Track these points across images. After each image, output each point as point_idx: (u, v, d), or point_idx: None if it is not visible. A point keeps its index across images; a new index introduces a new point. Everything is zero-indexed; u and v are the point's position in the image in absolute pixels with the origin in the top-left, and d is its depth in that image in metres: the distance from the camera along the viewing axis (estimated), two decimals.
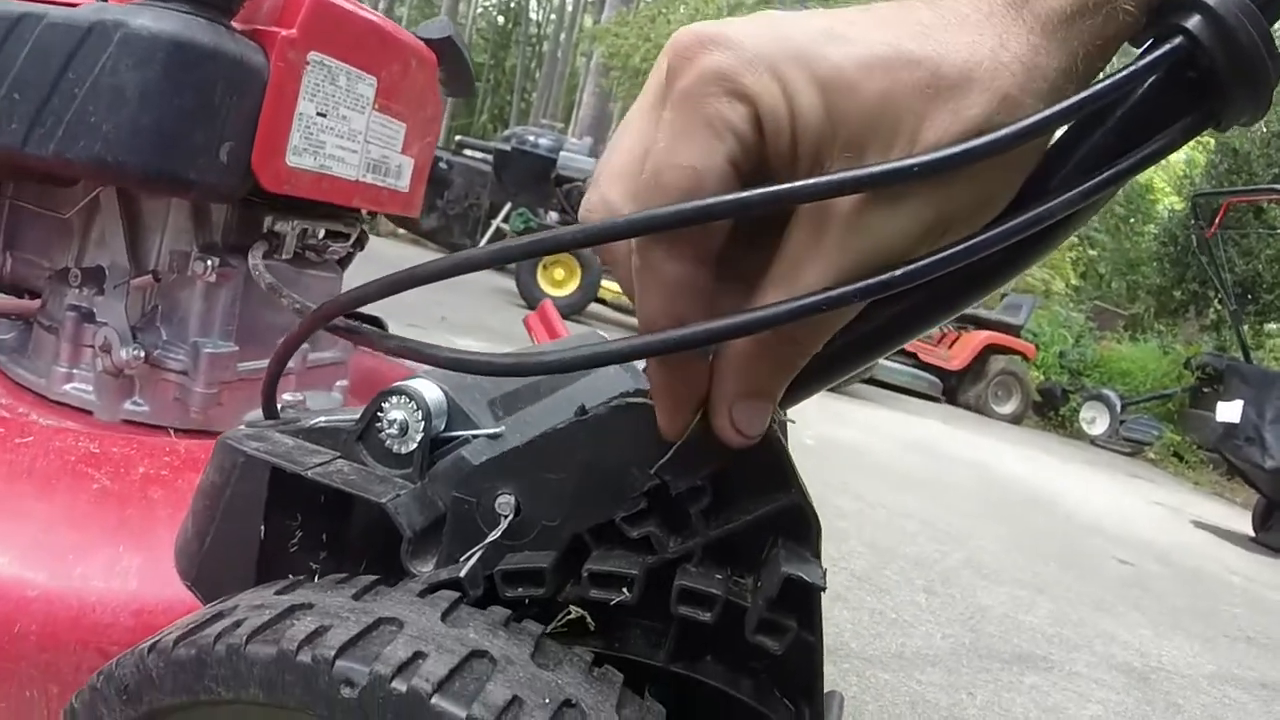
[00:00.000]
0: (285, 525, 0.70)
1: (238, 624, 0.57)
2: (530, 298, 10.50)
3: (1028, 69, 0.49)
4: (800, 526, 0.61)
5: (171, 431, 1.41)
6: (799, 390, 0.62)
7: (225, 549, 0.71)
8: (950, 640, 3.56)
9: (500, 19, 45.48)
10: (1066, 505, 7.68)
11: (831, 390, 8.39)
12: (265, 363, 1.44)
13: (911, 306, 0.60)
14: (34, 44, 1.19)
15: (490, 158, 13.46)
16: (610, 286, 11.73)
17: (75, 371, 1.42)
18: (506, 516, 0.63)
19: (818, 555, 0.61)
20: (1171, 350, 17.56)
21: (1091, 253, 27.07)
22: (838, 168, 0.48)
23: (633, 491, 0.61)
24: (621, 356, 0.58)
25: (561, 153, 11.94)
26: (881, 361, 11.96)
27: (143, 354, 1.36)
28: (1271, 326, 18.59)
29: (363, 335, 0.71)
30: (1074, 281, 26.68)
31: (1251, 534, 8.63)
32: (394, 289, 0.66)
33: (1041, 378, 15.62)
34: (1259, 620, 5.37)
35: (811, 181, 0.48)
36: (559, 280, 10.89)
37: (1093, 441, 13.95)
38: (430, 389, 0.69)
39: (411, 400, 0.68)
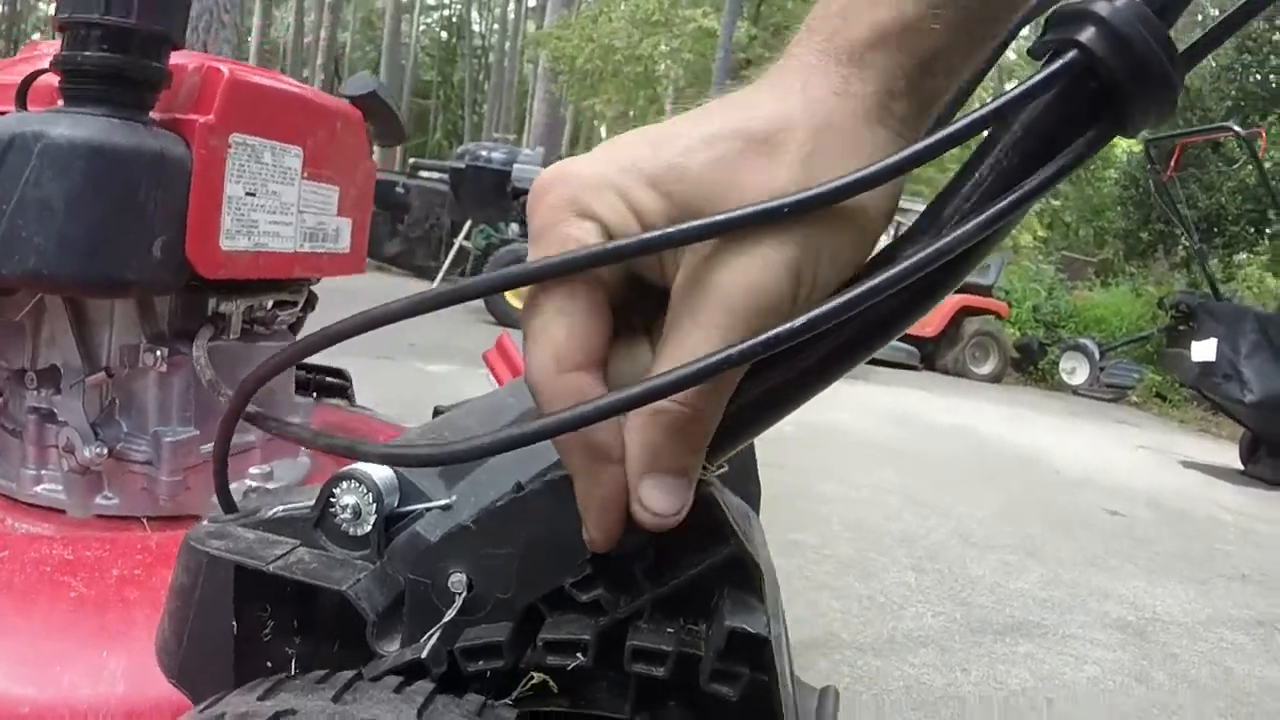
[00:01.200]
0: (256, 617, 0.72)
1: None
2: (499, 313, 10.48)
3: (840, 97, 0.52)
4: (742, 575, 0.63)
5: (144, 521, 1.43)
6: (721, 448, 0.63)
7: (203, 645, 0.73)
8: (941, 618, 3.58)
9: (443, 34, 45.32)
10: (1052, 461, 7.70)
11: None
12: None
13: (830, 351, 0.61)
14: None
15: (446, 177, 13.44)
16: None
17: (44, 472, 1.43)
18: (460, 594, 0.65)
19: (763, 600, 0.63)
20: (1144, 292, 17.61)
21: (1055, 203, 27.08)
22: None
23: (577, 559, 0.63)
24: (531, 438, 0.61)
25: (515, 165, 11.90)
26: None
27: (105, 450, 1.37)
28: (1241, 257, 18.61)
29: (275, 425, 0.75)
30: (1041, 233, 26.70)
31: (1240, 468, 8.70)
32: (304, 354, 0.69)
33: (1017, 334, 15.63)
34: (1252, 556, 5.40)
35: (660, 233, 0.52)
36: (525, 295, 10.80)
37: (1075, 391, 13.98)
38: (379, 469, 0.70)
39: (361, 484, 0.69)
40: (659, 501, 0.55)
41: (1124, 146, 25.71)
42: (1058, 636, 3.60)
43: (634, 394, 0.53)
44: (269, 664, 0.70)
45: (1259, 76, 18.76)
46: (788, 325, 0.53)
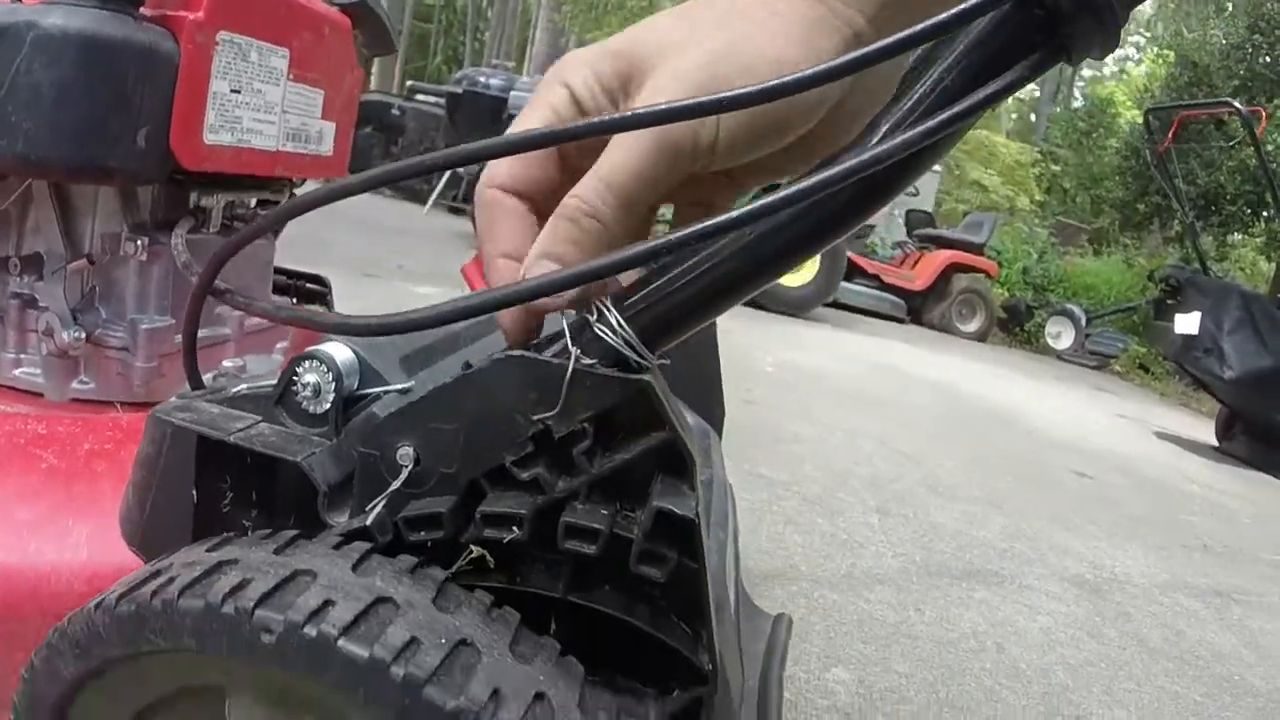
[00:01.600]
0: (216, 488, 0.76)
1: (171, 580, 0.64)
2: None
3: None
4: (677, 462, 0.66)
5: (119, 406, 1.46)
6: (663, 336, 0.67)
7: (164, 514, 0.76)
8: (901, 559, 3.61)
9: None
10: (1028, 421, 7.71)
11: (795, 315, 8.35)
12: (204, 332, 1.51)
13: (768, 250, 0.65)
14: None
15: (443, 101, 13.37)
16: None
17: (23, 356, 1.47)
18: (406, 467, 0.68)
19: (694, 489, 0.66)
20: (1135, 263, 17.60)
21: (1055, 168, 27.00)
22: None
23: (519, 437, 0.66)
24: (466, 312, 0.65)
25: (512, 92, 11.83)
26: (844, 285, 11.94)
27: (84, 335, 1.41)
28: (1235, 237, 18.57)
29: (240, 300, 0.79)
30: (1039, 197, 26.63)
31: (1215, 444, 8.72)
32: (271, 225, 0.73)
33: (1006, 294, 15.65)
34: (1216, 529, 5.43)
35: (602, 119, 0.61)
36: None
37: (1059, 356, 13.98)
38: (341, 351, 0.74)
39: (323, 364, 0.73)
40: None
41: (1126, 117, 25.65)
42: (1014, 586, 3.63)
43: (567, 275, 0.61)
44: (227, 534, 0.73)
45: (1268, 58, 18.63)
46: (738, 212, 0.59)
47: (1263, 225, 17.67)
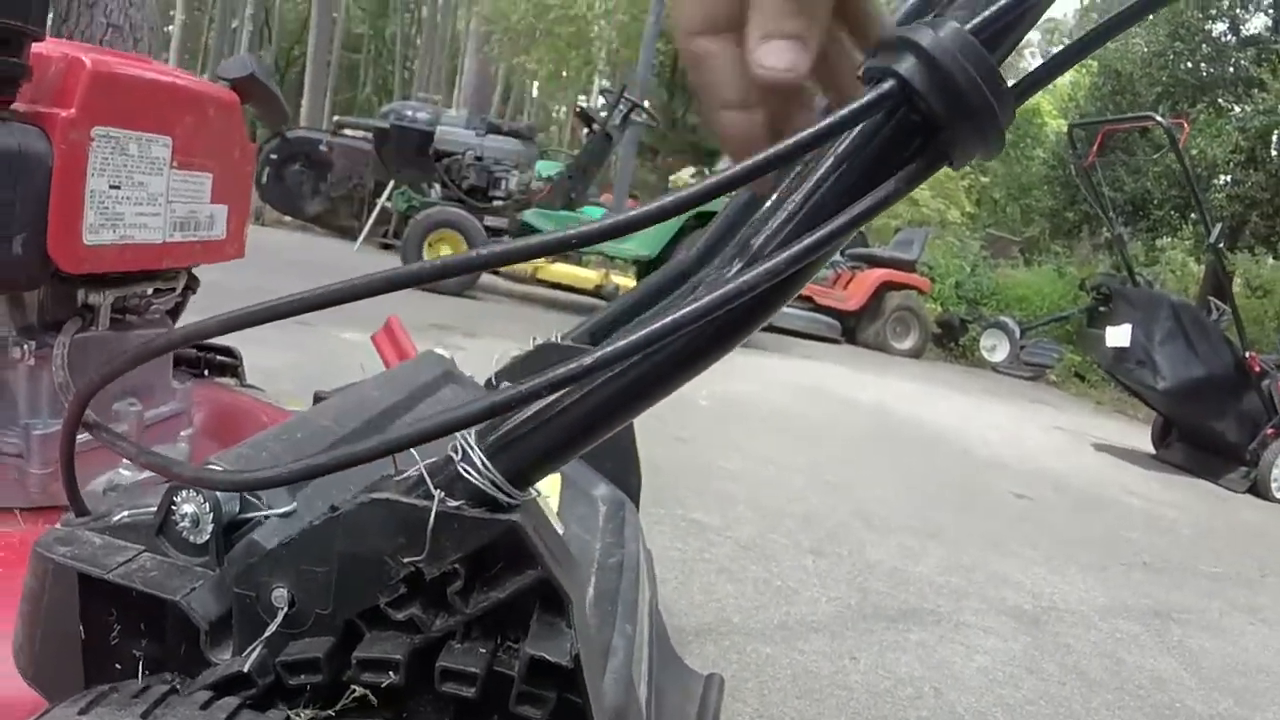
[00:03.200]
0: (103, 620, 0.74)
1: None
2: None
3: None
4: (553, 599, 0.65)
5: (17, 512, 1.42)
6: (540, 467, 0.66)
7: (54, 647, 0.76)
8: (836, 604, 3.59)
9: None
10: (965, 441, 7.77)
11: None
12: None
13: (632, 386, 0.62)
14: None
15: (370, 136, 13.37)
16: (554, 270, 11.71)
17: None
18: (282, 609, 0.67)
19: (571, 625, 0.65)
20: (1067, 273, 17.84)
21: (984, 180, 27.32)
22: None
23: (390, 579, 0.65)
24: (320, 470, 0.63)
25: (439, 126, 11.86)
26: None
27: None
28: (1164, 241, 18.84)
29: (106, 438, 0.76)
30: (969, 209, 26.93)
31: (1151, 451, 8.86)
32: (132, 364, 0.71)
33: (940, 310, 15.78)
34: (1155, 542, 5.50)
35: None
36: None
37: (995, 369, 14.11)
38: None
39: (199, 493, 0.72)
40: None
41: (1052, 126, 26.00)
42: (951, 624, 3.62)
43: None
44: (118, 666, 0.73)
45: (1189, 65, 18.94)
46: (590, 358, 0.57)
47: (1190, 229, 17.94)
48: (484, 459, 0.64)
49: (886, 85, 0.52)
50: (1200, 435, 8.24)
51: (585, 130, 11.97)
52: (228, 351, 2.10)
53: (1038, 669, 3.38)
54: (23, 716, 0.73)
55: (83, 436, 1.44)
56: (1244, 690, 3.59)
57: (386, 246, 13.68)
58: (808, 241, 0.55)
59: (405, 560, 0.64)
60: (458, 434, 0.65)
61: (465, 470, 0.64)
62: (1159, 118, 9.03)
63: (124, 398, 1.54)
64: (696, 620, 3.18)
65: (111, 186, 1.38)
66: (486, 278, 11.86)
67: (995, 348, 14.42)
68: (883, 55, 0.53)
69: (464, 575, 0.64)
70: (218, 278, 1.55)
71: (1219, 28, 19.35)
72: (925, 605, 3.76)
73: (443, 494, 0.64)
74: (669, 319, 0.57)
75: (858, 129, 0.55)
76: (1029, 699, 3.12)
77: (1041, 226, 22.47)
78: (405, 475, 0.68)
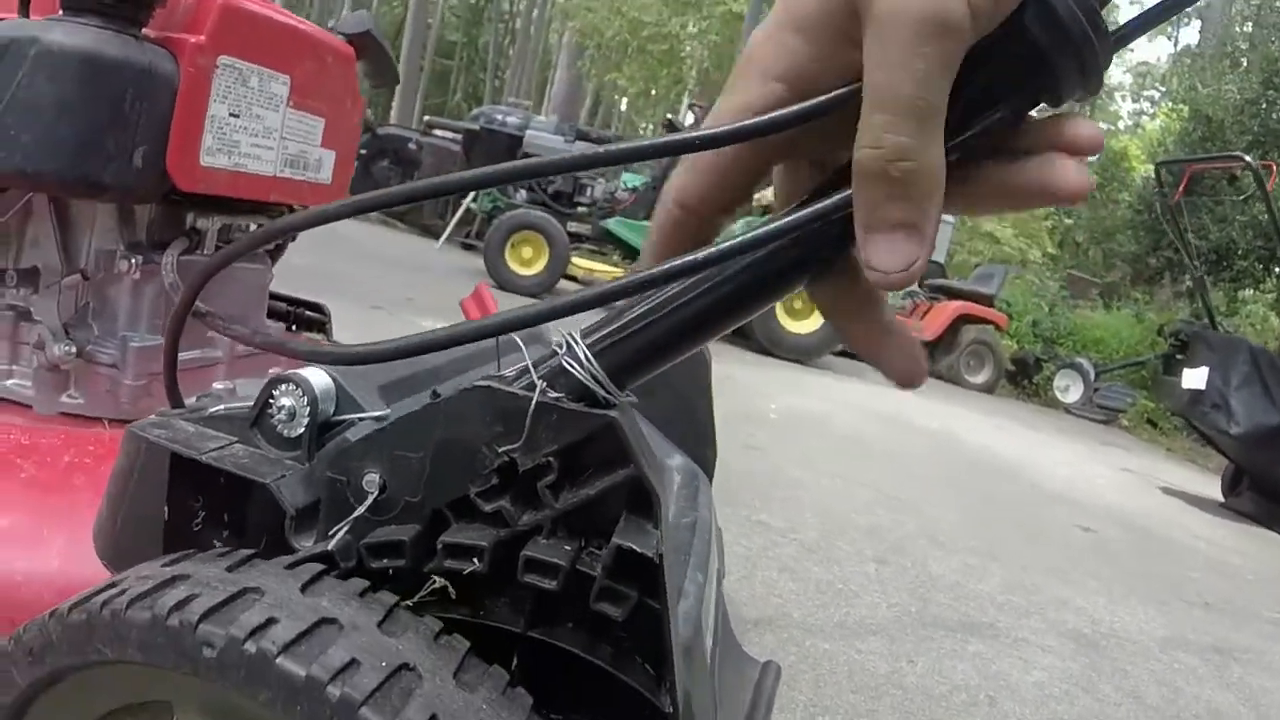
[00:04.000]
0: (188, 506, 0.76)
1: (122, 592, 0.64)
2: (499, 278, 10.46)
3: None
4: (643, 500, 0.66)
5: (105, 422, 1.47)
6: (640, 369, 0.66)
7: (136, 529, 0.77)
8: (896, 609, 3.58)
9: None
10: (1033, 473, 7.67)
11: (801, 362, 8.34)
12: (195, 353, 1.51)
13: (741, 285, 0.63)
14: None
15: (460, 137, 13.43)
16: (580, 263, 11.70)
17: (14, 368, 1.48)
18: (372, 494, 0.69)
19: (658, 527, 0.65)
20: (1145, 318, 17.55)
21: (1068, 221, 27.04)
22: None
23: (484, 468, 0.66)
24: (447, 341, 0.65)
25: (529, 130, 11.92)
26: None
27: (74, 349, 1.42)
28: (1246, 293, 18.53)
29: (219, 323, 0.79)
30: (1050, 250, 26.67)
31: (1220, 499, 8.65)
32: (266, 238, 0.73)
33: (1015, 346, 15.61)
34: (1218, 585, 5.38)
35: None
36: (527, 259, 10.83)
37: (1067, 410, 13.92)
38: (318, 376, 0.74)
39: (299, 388, 0.73)
40: (884, 259, 0.55)
41: (1140, 171, 25.69)
42: (1010, 640, 3.60)
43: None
44: (188, 551, 0.72)
45: None
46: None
47: (1274, 281, 17.66)
48: (588, 353, 0.65)
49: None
50: (1271, 484, 8.03)
51: None
52: (316, 307, 2.14)
53: (1094, 689, 3.34)
54: None
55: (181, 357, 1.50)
56: None
57: (469, 247, 13.72)
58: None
59: (500, 450, 0.65)
60: (564, 330, 0.67)
61: (569, 364, 0.65)
62: (1248, 159, 8.88)
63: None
64: (757, 612, 3.18)
65: (231, 114, 1.43)
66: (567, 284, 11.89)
67: (1069, 388, 14.22)
68: None
69: (556, 469, 0.65)
70: (305, 262, 1.59)
71: None
72: (985, 619, 3.73)
73: (545, 384, 0.65)
74: (788, 219, 0.58)
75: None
76: (1083, 716, 3.09)
77: (1123, 271, 22.15)
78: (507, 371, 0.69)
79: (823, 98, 0.56)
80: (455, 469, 0.67)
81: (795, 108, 0.57)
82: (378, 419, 0.72)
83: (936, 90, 0.52)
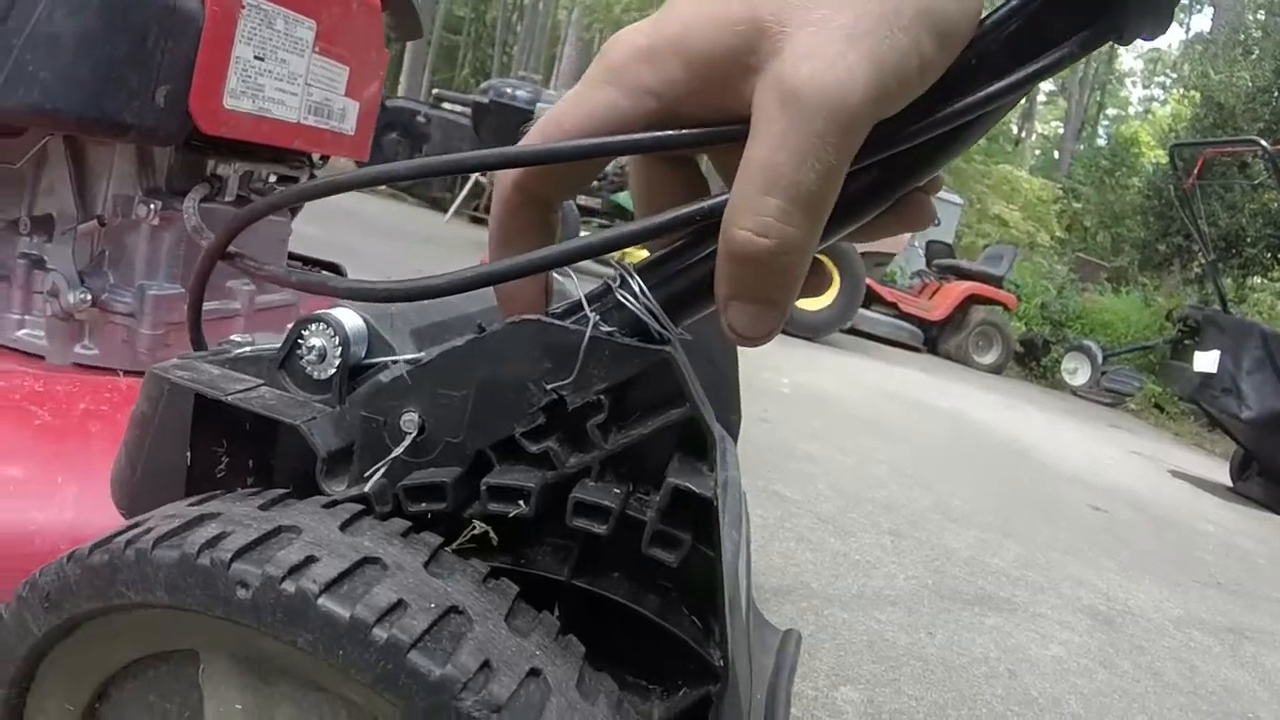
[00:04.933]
0: (212, 451, 0.72)
1: (147, 531, 0.60)
2: None
3: None
4: (696, 440, 0.63)
5: (120, 373, 1.43)
6: (691, 306, 0.64)
7: (156, 476, 0.73)
8: (913, 581, 3.58)
9: None
10: (1043, 453, 7.67)
11: (812, 340, 8.34)
12: (214, 304, 1.47)
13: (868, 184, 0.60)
14: None
15: (469, 111, 13.42)
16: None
17: (27, 317, 1.44)
18: (410, 434, 0.65)
19: (713, 469, 0.62)
20: (1154, 302, 17.59)
21: (1076, 205, 27.05)
22: None
23: (530, 407, 0.63)
24: (480, 280, 0.61)
25: (538, 104, 11.91)
26: (862, 311, 11.92)
27: (90, 298, 1.38)
28: (1255, 280, 18.53)
29: (251, 264, 0.75)
30: (1059, 234, 26.68)
31: (1229, 484, 8.66)
32: (304, 196, 0.70)
33: (1023, 328, 15.63)
34: (1230, 567, 5.39)
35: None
36: None
37: (1074, 392, 13.94)
38: (350, 317, 0.70)
39: (330, 327, 0.69)
40: (744, 326, 0.55)
41: (1151, 156, 25.68)
42: (1027, 614, 3.59)
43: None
44: (214, 492, 0.69)
45: None
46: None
47: None
48: (643, 286, 0.62)
49: None
50: None
51: None
52: (333, 267, 2.11)
53: (1112, 665, 3.33)
54: None
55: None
56: None
57: (477, 220, 13.73)
58: (980, 95, 0.54)
59: (549, 387, 0.62)
60: (618, 263, 0.64)
61: (624, 297, 0.62)
62: (1264, 143, 8.84)
63: (240, 277, 1.56)
64: (776, 581, 3.17)
65: (256, 57, 1.39)
66: None
67: (1076, 371, 14.24)
68: None
69: (607, 408, 0.62)
70: (316, 233, 1.56)
71: None
72: (1001, 594, 3.73)
73: (598, 318, 0.62)
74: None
75: None
76: (1102, 690, 3.08)
77: (1131, 256, 22.08)
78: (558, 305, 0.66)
79: (729, 129, 0.56)
80: (500, 408, 0.64)
81: (700, 131, 0.57)
82: (411, 362, 0.68)
83: (837, 183, 0.51)
